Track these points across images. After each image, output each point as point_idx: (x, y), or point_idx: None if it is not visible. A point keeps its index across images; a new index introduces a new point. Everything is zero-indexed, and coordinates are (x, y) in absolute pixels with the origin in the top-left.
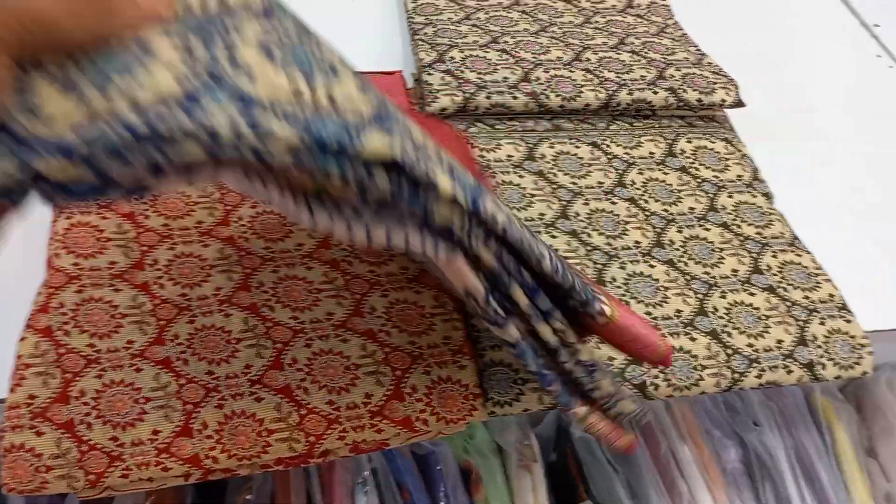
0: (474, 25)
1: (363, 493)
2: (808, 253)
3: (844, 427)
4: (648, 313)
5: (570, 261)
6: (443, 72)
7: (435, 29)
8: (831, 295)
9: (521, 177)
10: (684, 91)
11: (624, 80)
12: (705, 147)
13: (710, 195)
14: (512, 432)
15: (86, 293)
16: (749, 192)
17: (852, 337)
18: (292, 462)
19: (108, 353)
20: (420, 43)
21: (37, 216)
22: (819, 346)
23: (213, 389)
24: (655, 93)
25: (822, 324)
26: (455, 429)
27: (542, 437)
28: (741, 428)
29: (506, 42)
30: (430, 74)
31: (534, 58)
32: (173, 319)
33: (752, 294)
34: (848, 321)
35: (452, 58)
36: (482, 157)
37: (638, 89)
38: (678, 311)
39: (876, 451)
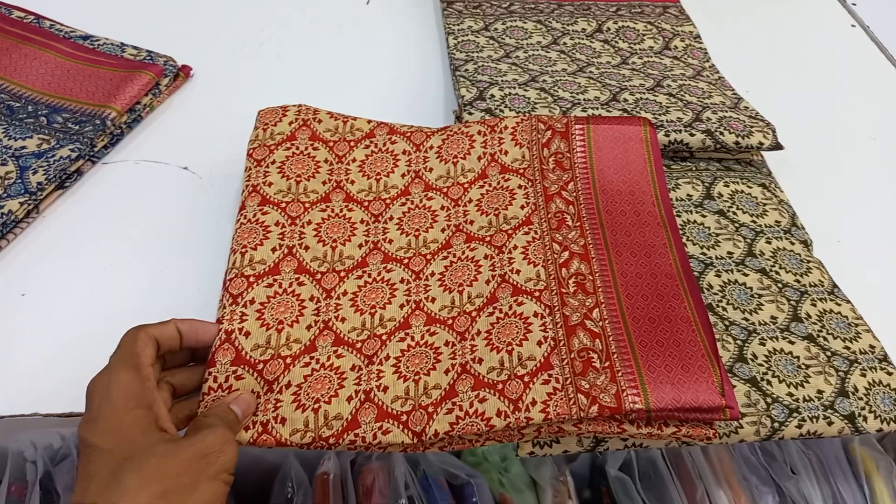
0: (514, 64)
1: None
2: (848, 302)
3: (883, 479)
4: None
5: None
6: (482, 111)
7: (476, 66)
8: (872, 346)
9: None
10: (721, 133)
11: (661, 121)
12: (743, 191)
13: (748, 240)
14: (547, 468)
15: None
16: (787, 238)
17: (894, 390)
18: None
19: None
20: (461, 79)
21: None
22: (860, 398)
23: None
24: (692, 135)
25: (863, 375)
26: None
27: (576, 473)
28: (778, 475)
29: (544, 81)
30: (470, 114)
31: (572, 97)
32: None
33: (791, 342)
34: (889, 373)
35: (492, 96)
36: None
37: (675, 131)
38: None
39: None
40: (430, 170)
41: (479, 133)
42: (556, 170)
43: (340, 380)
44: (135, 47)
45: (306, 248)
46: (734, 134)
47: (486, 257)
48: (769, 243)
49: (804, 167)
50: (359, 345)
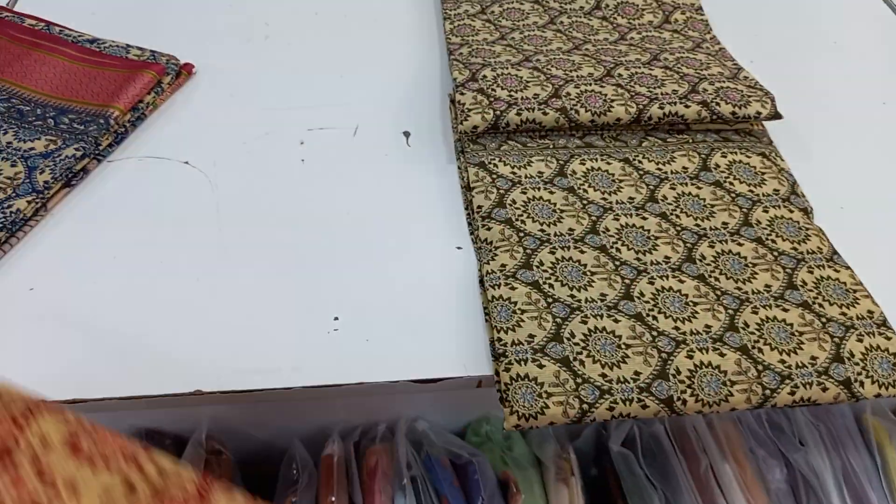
0: (509, 45)
1: (403, 499)
2: (848, 268)
3: None
4: (677, 328)
5: (599, 275)
6: (475, 91)
7: (470, 49)
8: (870, 311)
9: (551, 193)
10: (717, 104)
11: (655, 94)
12: (741, 161)
13: (744, 210)
14: (550, 445)
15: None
16: (786, 206)
17: (893, 354)
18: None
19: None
20: (455, 63)
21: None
22: (857, 364)
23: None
24: (688, 106)
25: (859, 340)
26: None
27: (581, 451)
28: (786, 447)
29: (538, 60)
30: (462, 94)
31: (565, 74)
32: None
33: (785, 310)
34: (888, 338)
35: (485, 76)
36: (514, 174)
37: (669, 103)
38: (707, 326)
39: None
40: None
41: None
42: None
43: None
44: (139, 48)
45: None
46: (731, 104)
47: None
48: (766, 212)
49: (811, 134)
50: None
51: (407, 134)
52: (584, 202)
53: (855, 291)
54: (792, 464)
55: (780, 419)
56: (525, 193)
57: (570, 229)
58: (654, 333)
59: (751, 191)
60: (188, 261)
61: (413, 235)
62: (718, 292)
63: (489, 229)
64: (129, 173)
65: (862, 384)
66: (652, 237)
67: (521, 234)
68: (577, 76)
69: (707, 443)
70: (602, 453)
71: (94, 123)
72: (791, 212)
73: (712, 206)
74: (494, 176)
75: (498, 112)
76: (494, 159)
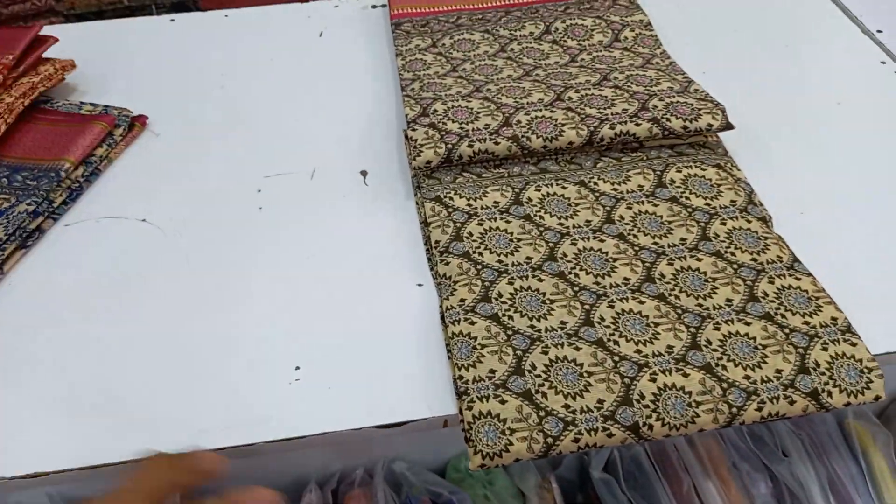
0: (460, 77)
1: None
2: (809, 276)
3: (881, 452)
4: (639, 351)
5: (558, 303)
6: (426, 126)
7: (422, 84)
8: (834, 318)
9: (507, 222)
10: (668, 120)
11: (606, 114)
12: (696, 175)
13: (701, 224)
14: (532, 476)
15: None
16: (743, 217)
17: (858, 361)
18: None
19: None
20: (406, 99)
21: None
22: (823, 373)
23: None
24: (638, 125)
25: (824, 349)
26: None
27: (564, 478)
28: (770, 459)
29: (488, 90)
30: (413, 130)
31: (516, 102)
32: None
33: (747, 324)
34: (853, 344)
35: (436, 111)
36: (469, 206)
37: (620, 123)
38: (669, 346)
39: None
40: None
41: None
42: None
43: None
44: (92, 104)
45: None
46: (681, 119)
47: None
48: (724, 224)
49: (768, 140)
50: None
51: (364, 173)
52: (541, 229)
53: (817, 299)
54: (776, 476)
55: (761, 431)
56: (481, 225)
57: (528, 258)
58: (616, 359)
59: (707, 204)
60: (148, 322)
61: (374, 276)
62: (679, 311)
63: (447, 264)
64: (86, 236)
65: (830, 394)
66: (610, 259)
67: (479, 267)
68: (528, 103)
69: (688, 461)
70: (586, 479)
71: (45, 178)
72: (749, 222)
73: (669, 222)
74: (450, 209)
75: (450, 145)
76: (450, 192)
